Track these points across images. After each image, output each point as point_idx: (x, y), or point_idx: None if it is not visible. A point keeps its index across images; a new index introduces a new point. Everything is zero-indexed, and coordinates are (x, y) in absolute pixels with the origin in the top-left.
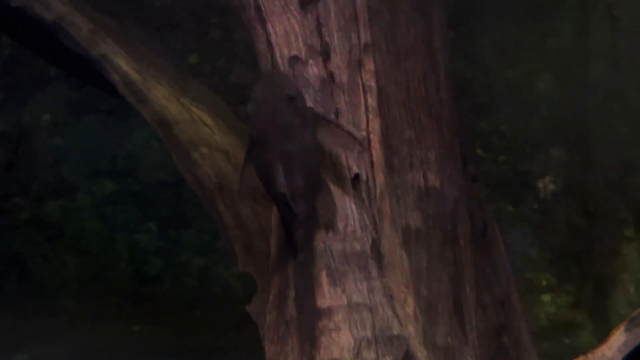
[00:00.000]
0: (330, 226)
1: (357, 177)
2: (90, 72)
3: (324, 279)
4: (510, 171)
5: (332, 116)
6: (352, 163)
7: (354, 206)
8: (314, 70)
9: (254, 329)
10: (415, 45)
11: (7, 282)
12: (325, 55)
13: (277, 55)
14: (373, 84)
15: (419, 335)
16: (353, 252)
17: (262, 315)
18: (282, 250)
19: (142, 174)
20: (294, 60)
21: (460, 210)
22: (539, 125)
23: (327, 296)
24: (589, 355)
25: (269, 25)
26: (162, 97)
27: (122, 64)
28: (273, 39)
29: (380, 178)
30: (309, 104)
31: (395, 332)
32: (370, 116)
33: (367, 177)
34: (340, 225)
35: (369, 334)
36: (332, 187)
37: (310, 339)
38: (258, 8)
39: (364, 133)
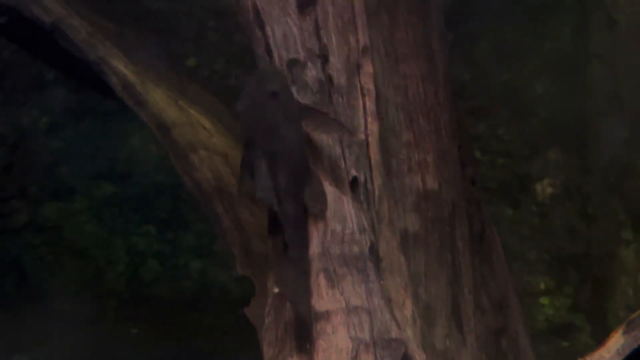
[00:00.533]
0: (321, 217)
1: (355, 180)
2: (89, 75)
3: (322, 281)
4: (509, 174)
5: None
6: (350, 166)
7: (352, 209)
8: (312, 73)
9: (252, 332)
10: (414, 48)
11: (6, 284)
12: (324, 58)
13: (276, 58)
14: (371, 87)
15: (417, 338)
16: (351, 255)
17: (261, 318)
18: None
19: (140, 176)
20: (293, 63)
21: (459, 213)
22: (537, 128)
23: (325, 299)
24: (587, 358)
25: (267, 28)
26: (161, 100)
27: (121, 66)
28: (271, 42)
29: (378, 181)
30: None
31: (394, 335)
32: (369, 119)
33: (366, 179)
34: (338, 227)
35: (367, 336)
36: (331, 189)
37: (308, 342)
38: (256, 11)
39: (362, 136)
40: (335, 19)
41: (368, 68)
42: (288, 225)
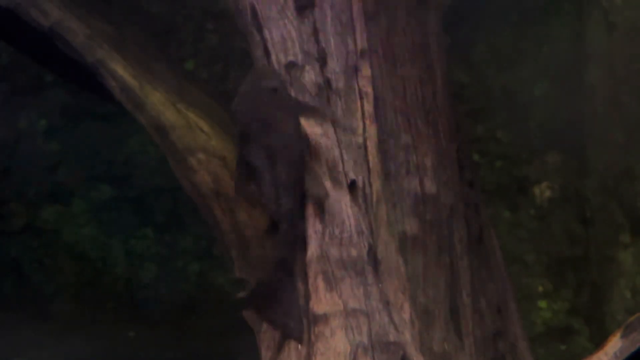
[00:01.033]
0: (320, 205)
1: (353, 182)
2: (87, 78)
3: (320, 284)
4: (507, 177)
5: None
6: (349, 169)
7: (350, 212)
8: (310, 76)
9: (251, 335)
10: (412, 51)
11: (4, 287)
12: (322, 61)
13: (274, 60)
14: (369, 89)
15: (416, 341)
16: (349, 258)
17: (259, 320)
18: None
19: (138, 179)
20: (291, 66)
21: (457, 216)
22: (535, 131)
23: (324, 301)
24: None
25: (265, 31)
26: (159, 102)
27: (119, 69)
28: (269, 45)
29: (376, 184)
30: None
31: (392, 338)
32: (367, 122)
33: (364, 183)
34: (337, 229)
35: (365, 339)
36: (329, 192)
37: (306, 345)
38: (255, 14)
39: (361, 139)
40: (333, 22)
41: (366, 71)
42: (283, 220)
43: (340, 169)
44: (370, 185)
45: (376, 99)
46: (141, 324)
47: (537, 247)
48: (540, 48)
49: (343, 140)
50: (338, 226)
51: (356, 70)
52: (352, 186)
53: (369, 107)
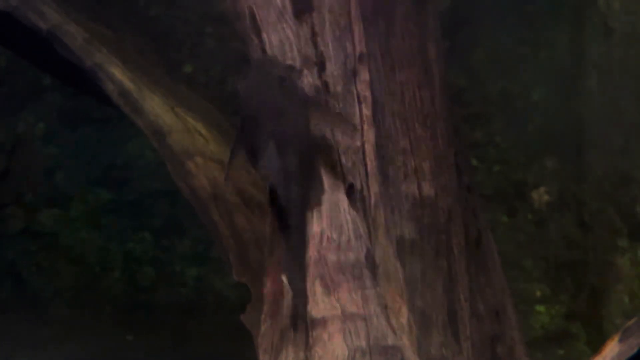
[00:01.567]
0: (317, 206)
1: (351, 186)
2: (85, 82)
3: (318, 288)
4: (505, 181)
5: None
6: (347, 173)
7: (348, 216)
8: (308, 80)
9: (249, 339)
10: (410, 56)
11: (1, 290)
12: (320, 65)
13: None
14: (368, 94)
15: (413, 345)
16: (347, 262)
17: (257, 324)
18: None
19: (136, 183)
20: (289, 69)
21: (455, 221)
22: (533, 135)
23: (321, 305)
24: None
25: (263, 34)
26: (157, 106)
27: (117, 73)
28: (268, 49)
29: (374, 188)
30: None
31: (390, 342)
32: (365, 126)
33: (362, 186)
34: (335, 233)
35: (363, 344)
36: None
37: (304, 349)
38: (253, 17)
39: (359, 143)
40: (331, 26)
41: (364, 75)
42: (292, 207)
43: (339, 172)
44: (368, 189)
45: (374, 103)
46: (139, 327)
47: (535, 252)
48: (539, 53)
49: (341, 143)
50: (336, 230)
51: (354, 74)
52: (350, 190)
53: (367, 111)
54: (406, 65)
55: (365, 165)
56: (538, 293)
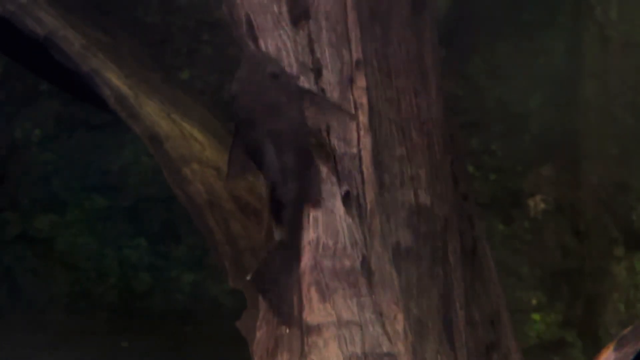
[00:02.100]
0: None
1: (347, 193)
2: (82, 87)
3: (313, 295)
4: (501, 189)
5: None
6: (343, 180)
7: (344, 223)
8: (305, 86)
9: (244, 345)
10: (407, 63)
11: None
12: (317, 72)
13: None
14: (364, 101)
15: (409, 352)
16: (343, 269)
17: (252, 331)
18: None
19: (132, 189)
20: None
21: (451, 228)
22: (530, 144)
23: (317, 312)
24: None
25: (260, 41)
26: (153, 112)
27: (114, 79)
28: None
29: (370, 195)
30: (294, 79)
31: (385, 350)
32: (362, 133)
33: (358, 194)
34: (330, 240)
35: (358, 351)
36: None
37: (299, 356)
38: (250, 24)
39: (355, 150)
40: (328, 33)
41: (361, 82)
42: (289, 206)
43: (335, 179)
44: (365, 196)
45: (371, 110)
46: (135, 333)
47: (531, 260)
48: (535, 61)
49: (337, 150)
50: (332, 237)
51: (351, 81)
52: (346, 197)
53: (363, 118)
54: (403, 72)
55: (362, 172)
56: (534, 301)
